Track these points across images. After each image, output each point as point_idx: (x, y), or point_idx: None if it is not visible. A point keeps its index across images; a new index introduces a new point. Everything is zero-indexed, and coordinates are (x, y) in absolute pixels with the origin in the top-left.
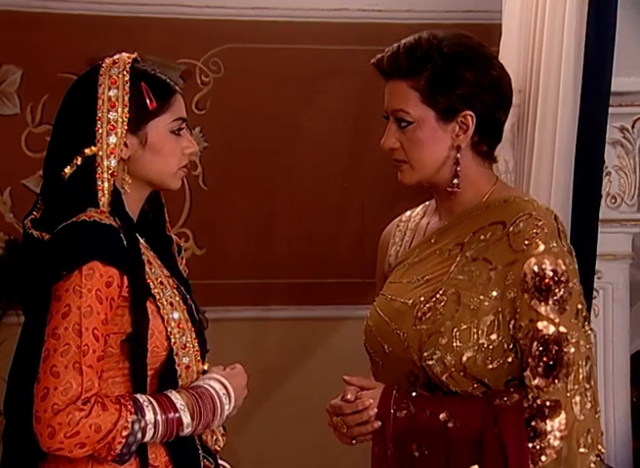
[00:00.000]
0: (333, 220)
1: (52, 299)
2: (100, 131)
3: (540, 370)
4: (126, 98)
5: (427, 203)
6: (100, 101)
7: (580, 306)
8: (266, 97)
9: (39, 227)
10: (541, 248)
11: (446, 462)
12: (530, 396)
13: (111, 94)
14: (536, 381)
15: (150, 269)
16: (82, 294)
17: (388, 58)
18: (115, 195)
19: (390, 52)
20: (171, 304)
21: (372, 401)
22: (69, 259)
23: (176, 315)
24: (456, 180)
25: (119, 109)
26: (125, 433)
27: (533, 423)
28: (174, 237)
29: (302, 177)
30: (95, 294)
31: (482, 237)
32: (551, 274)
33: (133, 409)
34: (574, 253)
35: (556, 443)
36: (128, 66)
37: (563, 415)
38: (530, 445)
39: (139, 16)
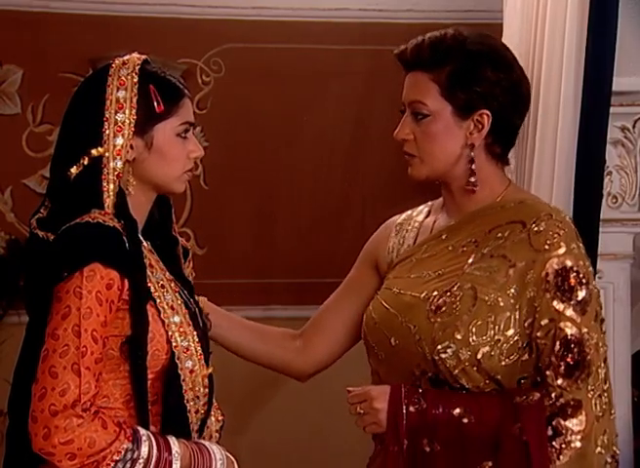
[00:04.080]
0: (333, 220)
1: (53, 300)
2: (107, 132)
3: (561, 369)
4: (134, 100)
5: (430, 203)
6: (107, 102)
7: (598, 308)
8: (267, 97)
9: (44, 227)
10: (563, 249)
11: (459, 458)
12: (552, 395)
13: (119, 95)
14: (559, 381)
15: (152, 272)
16: (82, 296)
17: (412, 50)
18: (120, 197)
19: (414, 43)
20: (172, 308)
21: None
22: (71, 260)
23: (177, 319)
24: (473, 179)
25: (127, 111)
26: (116, 457)
27: (554, 422)
28: (181, 240)
29: (303, 177)
30: (95, 296)
31: (499, 235)
32: (574, 275)
33: (131, 438)
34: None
35: (577, 443)
36: (137, 68)
37: (584, 415)
38: (550, 443)
39: (139, 16)
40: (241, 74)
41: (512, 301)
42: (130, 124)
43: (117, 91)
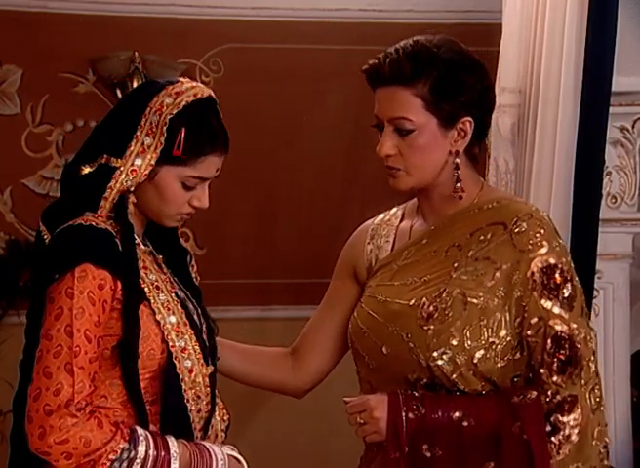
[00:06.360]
0: (333, 220)
1: (46, 302)
2: (132, 148)
3: (555, 366)
4: (164, 130)
5: (403, 205)
6: (143, 121)
7: (583, 303)
8: (266, 97)
9: (46, 222)
10: (546, 247)
11: (461, 461)
12: (549, 392)
13: (154, 119)
14: (554, 378)
15: (146, 274)
16: (74, 296)
17: (390, 64)
18: (120, 202)
19: (390, 58)
20: (167, 308)
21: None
22: (61, 262)
23: (172, 319)
24: (459, 185)
25: (156, 137)
26: (112, 456)
27: (552, 419)
28: (187, 247)
29: (302, 177)
30: (87, 296)
31: (482, 237)
32: (558, 272)
33: (128, 437)
34: None
35: (574, 437)
36: (183, 104)
37: (580, 410)
38: (549, 439)
39: (139, 16)
40: (240, 74)
41: (502, 303)
42: (155, 150)
43: (154, 114)
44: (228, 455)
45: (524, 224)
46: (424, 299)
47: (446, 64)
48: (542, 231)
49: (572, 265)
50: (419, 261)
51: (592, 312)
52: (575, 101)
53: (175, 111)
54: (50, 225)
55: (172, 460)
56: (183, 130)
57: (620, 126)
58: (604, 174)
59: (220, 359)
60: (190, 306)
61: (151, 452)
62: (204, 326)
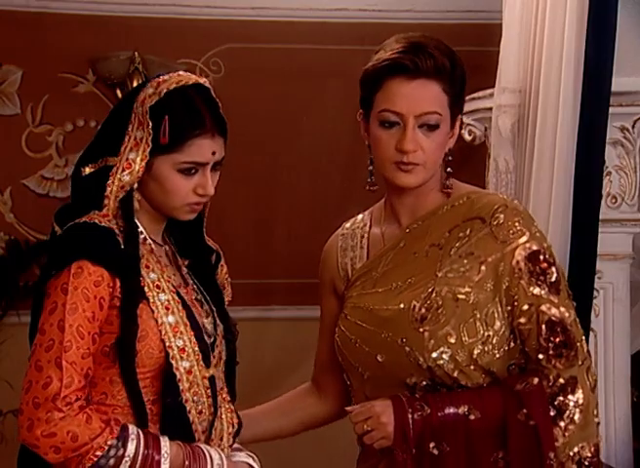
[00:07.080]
0: (332, 220)
1: (44, 297)
2: (126, 144)
3: (552, 351)
4: (147, 119)
5: (367, 212)
6: (132, 116)
7: (566, 285)
8: (266, 97)
9: (58, 220)
10: (526, 235)
11: (470, 454)
12: (550, 377)
13: (138, 111)
14: (553, 362)
15: (147, 273)
16: (68, 292)
17: (433, 57)
18: (126, 200)
19: (427, 51)
20: (166, 308)
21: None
22: (59, 259)
23: (171, 319)
24: (449, 182)
25: (144, 129)
26: (98, 453)
27: (556, 402)
28: (214, 246)
29: (302, 177)
30: (81, 292)
31: (461, 234)
32: (542, 258)
33: (117, 435)
34: None
35: (578, 417)
36: (165, 91)
37: (581, 390)
38: (556, 422)
39: (139, 16)
40: (240, 74)
41: (491, 295)
42: (146, 141)
43: (139, 107)
44: (242, 462)
45: (501, 216)
46: (414, 302)
47: (459, 63)
48: (520, 220)
49: (552, 249)
50: (399, 265)
51: (592, 312)
52: (575, 101)
53: (155, 99)
54: (62, 224)
55: (162, 460)
56: (166, 117)
57: (620, 126)
58: (604, 174)
59: (257, 430)
60: (205, 308)
61: (141, 451)
62: (219, 328)
